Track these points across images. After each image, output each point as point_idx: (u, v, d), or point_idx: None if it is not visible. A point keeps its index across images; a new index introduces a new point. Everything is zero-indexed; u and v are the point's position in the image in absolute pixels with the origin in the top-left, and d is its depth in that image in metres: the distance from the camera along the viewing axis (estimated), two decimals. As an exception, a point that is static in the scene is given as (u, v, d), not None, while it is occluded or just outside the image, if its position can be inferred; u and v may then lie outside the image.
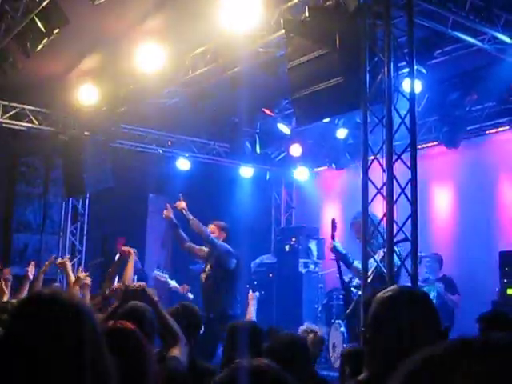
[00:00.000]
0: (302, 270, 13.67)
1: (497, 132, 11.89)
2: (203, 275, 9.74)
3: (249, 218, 14.44)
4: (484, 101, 11.18)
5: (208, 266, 9.72)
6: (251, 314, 9.65)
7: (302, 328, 6.95)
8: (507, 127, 11.68)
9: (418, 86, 9.20)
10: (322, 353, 11.43)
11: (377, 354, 2.44)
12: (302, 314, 13.00)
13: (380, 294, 2.66)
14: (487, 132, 11.93)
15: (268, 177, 16.05)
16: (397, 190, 7.55)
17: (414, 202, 7.42)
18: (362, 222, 7.76)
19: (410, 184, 7.51)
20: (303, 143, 13.84)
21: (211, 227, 10.06)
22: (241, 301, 9.60)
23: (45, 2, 8.32)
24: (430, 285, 10.44)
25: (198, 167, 14.90)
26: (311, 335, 6.60)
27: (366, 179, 7.69)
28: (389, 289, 2.80)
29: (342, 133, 12.82)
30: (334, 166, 14.11)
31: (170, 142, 14.68)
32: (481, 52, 9.41)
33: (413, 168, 7.49)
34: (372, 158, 7.83)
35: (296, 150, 13.89)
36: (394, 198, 7.46)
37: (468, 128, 11.64)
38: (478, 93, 10.79)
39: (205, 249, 9.84)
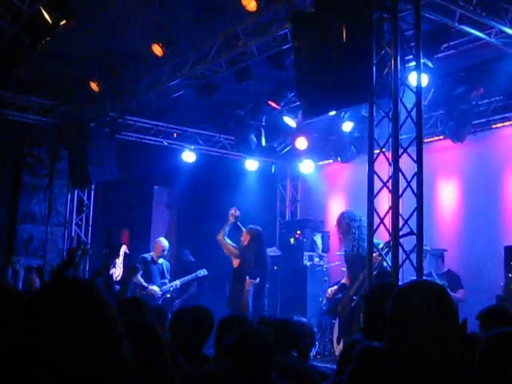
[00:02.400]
0: (307, 263, 13.65)
1: (503, 126, 11.85)
2: None
3: (254, 210, 14.46)
4: (490, 95, 11.16)
5: None
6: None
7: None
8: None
9: (425, 80, 9.18)
10: (327, 346, 11.50)
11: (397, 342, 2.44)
12: (307, 307, 13.00)
13: (400, 287, 2.66)
14: (493, 126, 11.89)
15: (273, 170, 16.05)
16: (402, 183, 7.56)
17: (419, 196, 7.42)
18: (368, 216, 7.77)
19: (415, 178, 7.51)
20: (309, 136, 13.81)
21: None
22: None
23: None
24: (435, 280, 10.45)
25: (203, 160, 14.90)
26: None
27: (371, 173, 7.69)
28: (408, 282, 2.82)
29: (347, 126, 12.79)
30: (339, 159, 14.10)
31: (175, 134, 14.68)
32: (488, 46, 9.38)
33: (419, 162, 7.50)
34: (378, 151, 7.84)
35: (301, 143, 13.86)
36: (400, 192, 7.47)
37: (474, 122, 11.62)
38: (484, 87, 10.76)
39: None
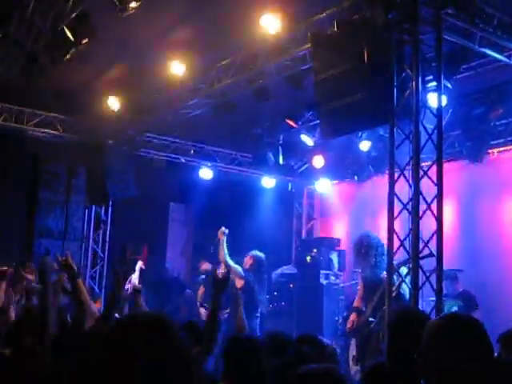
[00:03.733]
0: (323, 281, 13.64)
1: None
2: None
3: (270, 228, 14.49)
4: (509, 115, 11.14)
5: None
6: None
7: None
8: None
9: (444, 101, 9.18)
10: (342, 365, 11.44)
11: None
12: (323, 325, 12.98)
13: (435, 323, 2.66)
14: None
15: (290, 188, 16.06)
16: (422, 204, 7.56)
17: (439, 219, 7.41)
18: (388, 237, 7.75)
19: (435, 200, 7.50)
20: (326, 155, 13.82)
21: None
22: None
23: (74, 14, 8.41)
24: (451, 300, 10.41)
25: (220, 177, 14.92)
26: None
27: (392, 194, 7.68)
28: (442, 317, 2.81)
29: (365, 145, 12.79)
30: (356, 178, 14.08)
31: (192, 151, 14.71)
32: (507, 67, 9.39)
33: (439, 184, 7.48)
34: (398, 172, 7.83)
35: (318, 161, 13.87)
36: (420, 214, 7.46)
37: (492, 142, 11.60)
38: (502, 107, 10.76)
39: None
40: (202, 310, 11.27)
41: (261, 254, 11.15)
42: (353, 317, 9.78)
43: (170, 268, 12.68)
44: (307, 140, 13.03)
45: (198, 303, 11.65)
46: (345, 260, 13.90)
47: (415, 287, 7.33)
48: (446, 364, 2.38)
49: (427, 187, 7.67)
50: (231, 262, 11.02)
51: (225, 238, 10.98)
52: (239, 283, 10.99)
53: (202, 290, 11.65)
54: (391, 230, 7.64)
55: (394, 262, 7.87)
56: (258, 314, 10.91)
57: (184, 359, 2.11)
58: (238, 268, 11.00)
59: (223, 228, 11.16)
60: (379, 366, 4.65)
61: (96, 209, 14.44)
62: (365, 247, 9.54)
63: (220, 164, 15.00)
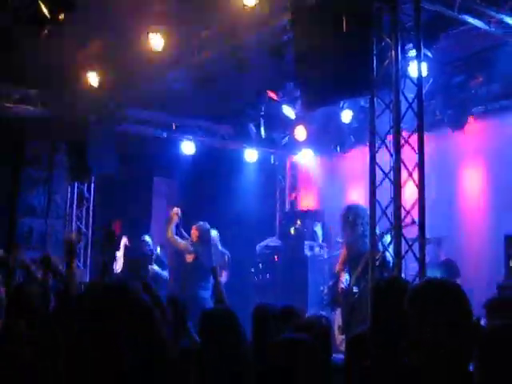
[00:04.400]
0: (308, 252, 13.68)
1: (502, 114, 11.83)
2: None
3: (254, 201, 14.51)
4: (489, 83, 11.14)
5: None
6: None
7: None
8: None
9: (424, 70, 9.17)
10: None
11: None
12: (308, 296, 13.05)
13: (412, 287, 2.68)
14: (492, 114, 11.87)
15: (273, 160, 16.04)
16: (403, 173, 7.59)
17: (421, 187, 7.45)
18: (370, 207, 7.79)
19: (417, 168, 7.53)
20: (308, 126, 13.80)
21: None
22: None
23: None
24: (433, 269, 10.49)
25: (202, 151, 14.87)
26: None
27: (373, 164, 7.71)
28: (422, 282, 2.83)
29: (346, 116, 12.79)
30: (338, 149, 14.08)
31: (174, 126, 14.64)
32: (487, 35, 9.38)
33: (420, 152, 7.51)
34: (379, 142, 7.85)
35: (301, 133, 13.85)
36: (402, 183, 7.49)
37: (473, 110, 11.62)
38: (483, 75, 10.77)
39: None
40: None
41: (205, 225, 11.19)
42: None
43: (145, 243, 12.64)
44: (289, 112, 13.01)
45: None
46: (329, 231, 13.94)
47: (398, 256, 7.38)
48: (425, 329, 2.40)
49: (409, 156, 7.70)
50: (178, 239, 11.13)
51: (176, 218, 11.10)
52: (190, 258, 11.10)
53: None
54: (373, 200, 7.68)
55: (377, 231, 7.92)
56: (210, 285, 11.04)
57: (144, 315, 2.14)
58: (186, 243, 11.10)
59: (176, 208, 11.25)
60: (362, 335, 4.70)
61: (79, 185, 14.35)
62: (352, 216, 9.58)
63: (202, 138, 14.94)
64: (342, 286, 9.72)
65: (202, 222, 11.30)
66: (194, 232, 11.18)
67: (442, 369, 2.33)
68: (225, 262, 12.21)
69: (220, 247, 12.20)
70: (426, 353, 2.37)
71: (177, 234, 11.35)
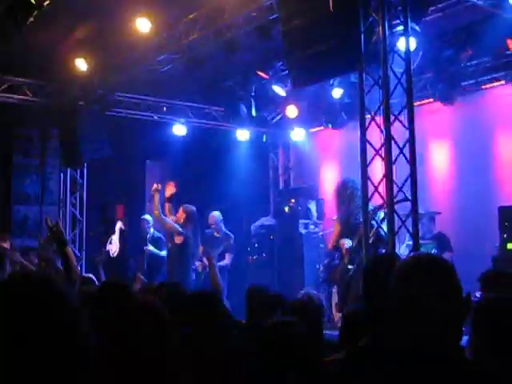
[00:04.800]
0: (302, 230, 13.70)
1: (492, 87, 11.83)
2: None
3: (247, 180, 14.49)
4: (479, 56, 11.13)
5: None
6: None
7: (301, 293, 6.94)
8: (503, 81, 11.63)
9: (413, 44, 9.14)
10: (326, 313, 11.55)
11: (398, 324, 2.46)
12: (304, 274, 13.09)
13: (401, 263, 2.67)
14: (483, 87, 11.87)
15: (265, 139, 16.01)
16: (395, 149, 7.59)
17: (412, 163, 7.46)
18: (362, 184, 7.80)
19: (408, 144, 7.53)
20: (299, 104, 13.76)
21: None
22: None
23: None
24: (427, 243, 10.55)
25: (194, 132, 14.85)
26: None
27: (364, 141, 7.70)
28: (410, 256, 2.84)
29: (337, 92, 12.77)
30: (330, 125, 14.08)
31: (165, 108, 14.61)
32: (475, 7, 9.34)
33: (410, 128, 7.51)
34: (369, 118, 7.84)
35: (292, 111, 13.81)
36: (393, 159, 7.49)
37: (463, 83, 11.61)
38: (472, 48, 10.74)
39: None
40: (198, 263, 11.25)
41: (192, 207, 11.14)
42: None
43: (146, 221, 12.60)
44: (279, 90, 12.96)
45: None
46: (323, 208, 13.95)
47: (391, 232, 7.39)
48: (412, 303, 2.40)
49: (401, 132, 7.71)
50: (167, 219, 10.97)
51: (158, 195, 10.91)
52: (178, 239, 10.93)
53: (201, 248, 11.66)
54: (365, 177, 7.68)
55: (370, 207, 7.93)
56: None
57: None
58: (175, 224, 10.95)
59: (156, 184, 11.10)
60: (356, 312, 4.73)
61: (71, 171, 14.34)
62: (350, 189, 9.48)
63: (193, 119, 14.92)
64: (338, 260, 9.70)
65: (187, 205, 11.19)
66: (182, 214, 11.06)
67: (438, 336, 2.35)
68: (230, 244, 12.03)
69: (224, 229, 12.14)
70: (419, 318, 2.37)
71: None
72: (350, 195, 9.46)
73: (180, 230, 10.77)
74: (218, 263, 11.30)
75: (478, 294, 5.48)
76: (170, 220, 10.90)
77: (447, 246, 10.88)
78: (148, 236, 12.47)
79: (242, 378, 3.57)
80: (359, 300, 4.42)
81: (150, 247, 12.22)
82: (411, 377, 2.35)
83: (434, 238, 10.98)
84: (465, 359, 2.43)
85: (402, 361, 2.43)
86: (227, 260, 11.81)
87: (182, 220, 10.91)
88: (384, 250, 7.92)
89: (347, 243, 9.27)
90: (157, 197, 10.80)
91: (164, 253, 12.01)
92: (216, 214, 12.08)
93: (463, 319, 2.40)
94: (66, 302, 2.04)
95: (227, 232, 12.15)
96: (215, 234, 11.95)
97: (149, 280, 10.25)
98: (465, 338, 2.79)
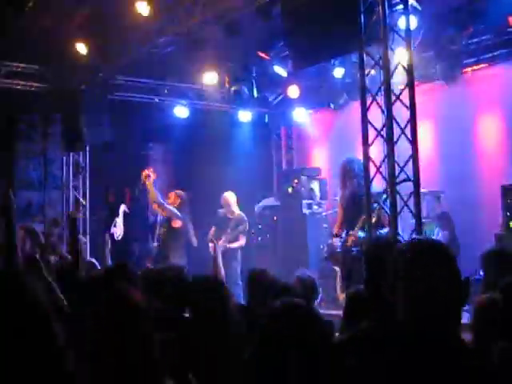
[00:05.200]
0: (306, 211, 13.70)
1: (494, 64, 11.75)
2: None
3: (250, 161, 14.50)
4: (480, 34, 11.07)
5: None
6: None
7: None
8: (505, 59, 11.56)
9: (413, 23, 9.09)
10: (330, 293, 11.58)
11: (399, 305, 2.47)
12: (308, 254, 13.11)
13: (402, 245, 2.68)
14: (485, 65, 11.79)
15: (267, 120, 15.99)
16: (396, 130, 7.57)
17: (414, 143, 7.44)
18: (363, 165, 7.79)
19: (409, 124, 7.52)
20: (300, 84, 13.72)
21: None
22: None
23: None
24: (430, 223, 10.59)
25: (196, 114, 14.83)
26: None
27: (365, 122, 7.69)
28: (411, 240, 2.85)
29: (338, 72, 12.75)
30: (332, 105, 14.05)
31: (166, 91, 14.58)
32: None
33: (412, 108, 7.49)
34: (370, 99, 7.82)
35: (293, 91, 13.77)
36: (394, 139, 7.48)
37: (465, 62, 11.54)
38: (473, 26, 10.68)
39: None
40: (211, 244, 11.20)
41: (182, 192, 11.19)
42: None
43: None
44: (280, 71, 12.92)
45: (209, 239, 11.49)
46: (326, 188, 13.96)
47: (393, 212, 7.40)
48: (415, 284, 2.42)
49: (403, 112, 7.69)
50: (165, 204, 11.01)
51: (150, 180, 10.91)
52: (177, 223, 10.99)
53: (213, 229, 11.69)
54: (366, 157, 7.68)
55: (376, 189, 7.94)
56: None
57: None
58: (174, 209, 11.00)
59: (146, 171, 11.10)
60: (358, 293, 4.75)
61: (74, 155, 14.33)
62: (358, 166, 9.35)
63: (195, 101, 14.89)
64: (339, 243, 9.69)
65: (179, 190, 11.26)
66: (176, 199, 11.09)
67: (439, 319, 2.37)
68: (245, 228, 11.97)
69: (238, 210, 12.11)
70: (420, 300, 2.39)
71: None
72: (358, 172, 9.34)
73: (179, 214, 10.85)
74: (232, 244, 11.41)
75: (481, 272, 5.51)
76: (167, 205, 10.97)
77: (449, 224, 10.90)
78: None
79: (242, 363, 3.58)
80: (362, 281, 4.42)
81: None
82: (412, 362, 2.37)
83: (436, 217, 11.00)
84: (465, 348, 2.44)
85: (404, 345, 2.44)
86: (242, 241, 11.80)
87: (176, 205, 11.00)
88: (387, 230, 7.94)
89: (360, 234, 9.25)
90: (150, 183, 10.84)
91: None
92: (228, 194, 12.02)
93: (462, 305, 2.42)
94: (30, 300, 2.12)
95: (242, 215, 12.06)
96: (228, 215, 11.93)
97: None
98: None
